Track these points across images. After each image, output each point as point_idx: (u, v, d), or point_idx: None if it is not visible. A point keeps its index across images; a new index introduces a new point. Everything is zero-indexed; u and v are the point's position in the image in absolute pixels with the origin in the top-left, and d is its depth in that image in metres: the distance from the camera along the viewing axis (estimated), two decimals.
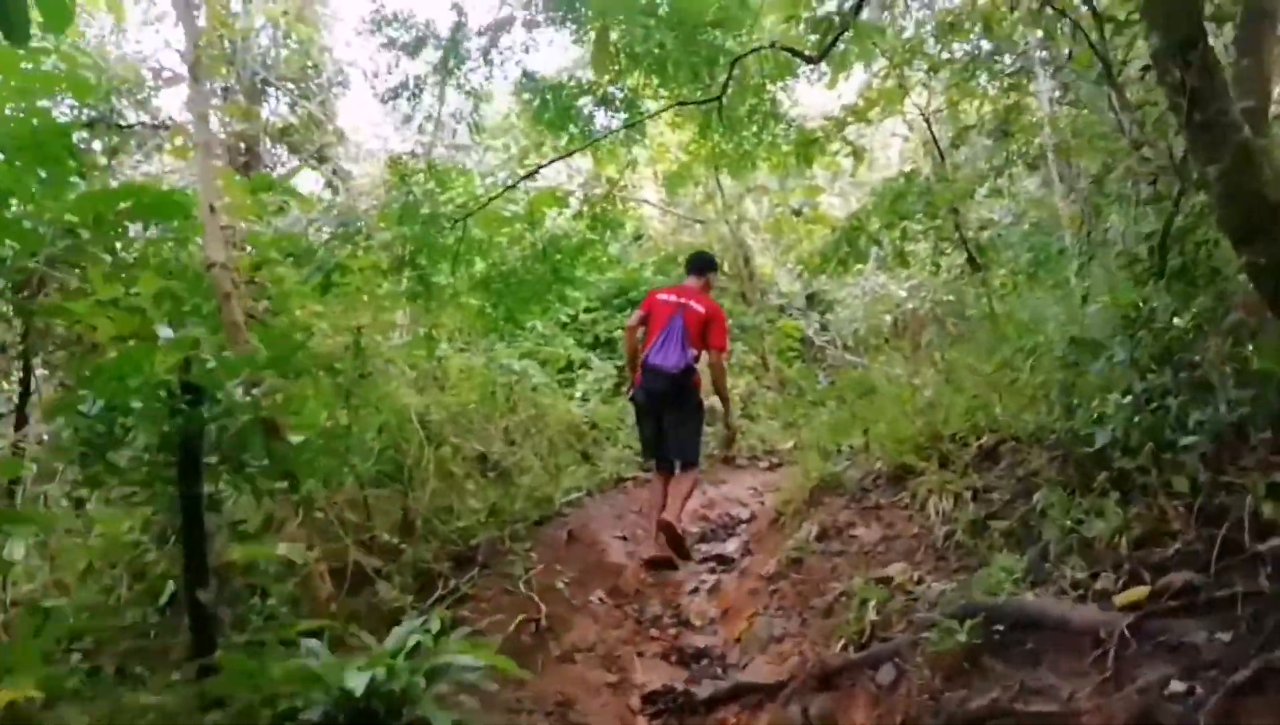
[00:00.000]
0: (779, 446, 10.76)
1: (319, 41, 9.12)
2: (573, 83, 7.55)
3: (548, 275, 7.14)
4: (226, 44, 8.39)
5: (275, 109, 9.13)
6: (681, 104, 6.93)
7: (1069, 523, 3.53)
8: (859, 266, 17.54)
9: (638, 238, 16.06)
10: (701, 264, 6.19)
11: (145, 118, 8.02)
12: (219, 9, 4.23)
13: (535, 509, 6.05)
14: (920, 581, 4.08)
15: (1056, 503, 3.80)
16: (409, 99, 7.00)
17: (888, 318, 17.05)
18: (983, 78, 9.87)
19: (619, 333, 11.93)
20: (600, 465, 8.25)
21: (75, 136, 8.75)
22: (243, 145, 8.94)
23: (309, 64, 9.07)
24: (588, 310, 12.26)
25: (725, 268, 15.31)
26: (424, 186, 6.45)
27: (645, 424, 5.91)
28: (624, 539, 6.19)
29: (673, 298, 5.77)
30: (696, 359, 5.71)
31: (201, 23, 5.54)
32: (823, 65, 10.10)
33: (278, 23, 8.77)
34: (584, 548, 5.65)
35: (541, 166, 6.71)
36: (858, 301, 16.81)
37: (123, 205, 3.64)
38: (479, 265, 6.99)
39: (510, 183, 6.61)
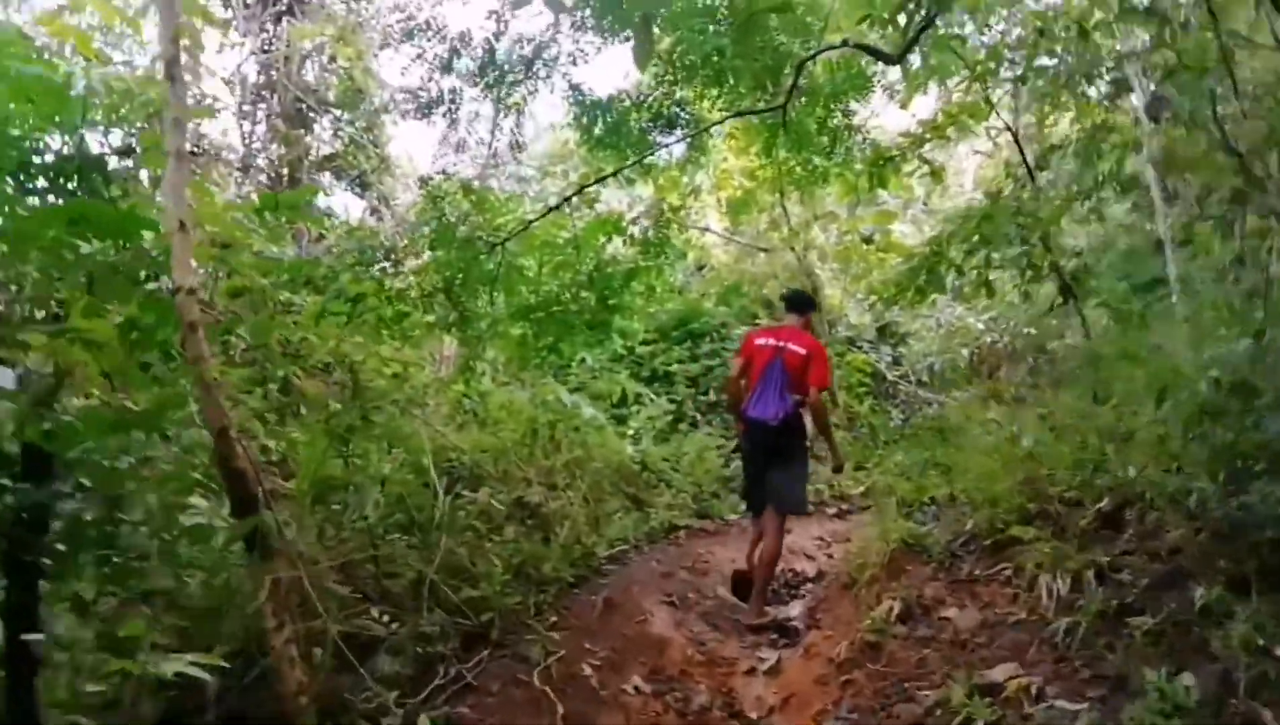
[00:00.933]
0: (849, 492, 9.75)
1: (363, 65, 8.61)
2: (625, 99, 6.80)
3: (595, 304, 6.37)
4: (272, 72, 7.95)
5: (319, 135, 8.63)
6: (742, 113, 6.13)
7: (1258, 637, 2.55)
8: (935, 296, 16.48)
9: (700, 267, 15.25)
10: (801, 303, 5.77)
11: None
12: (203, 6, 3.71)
13: (571, 568, 5.22)
14: (1039, 696, 3.11)
15: (1227, 602, 2.81)
16: (445, 114, 6.34)
17: (964, 352, 15.87)
18: (1073, 91, 8.86)
19: (676, 367, 11.11)
20: (651, 513, 7.38)
21: (117, 163, 8.35)
22: (285, 171, 8.46)
23: (354, 88, 8.56)
24: (645, 342, 11.44)
25: None
26: (460, 209, 5.77)
27: (749, 472, 5.65)
28: (672, 604, 5.30)
29: (770, 341, 5.40)
30: (800, 405, 5.30)
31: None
32: (897, 81, 9.23)
33: (321, 47, 8.29)
34: (623, 617, 4.78)
35: (585, 187, 5.97)
36: (933, 335, 15.68)
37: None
38: (522, 293, 6.26)
39: (553, 205, 5.89)
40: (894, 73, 8.50)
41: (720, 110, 6.79)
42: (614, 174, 6.06)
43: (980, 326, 16.23)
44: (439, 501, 4.38)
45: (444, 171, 6.44)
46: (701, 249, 14.95)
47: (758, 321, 13.21)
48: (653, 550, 6.61)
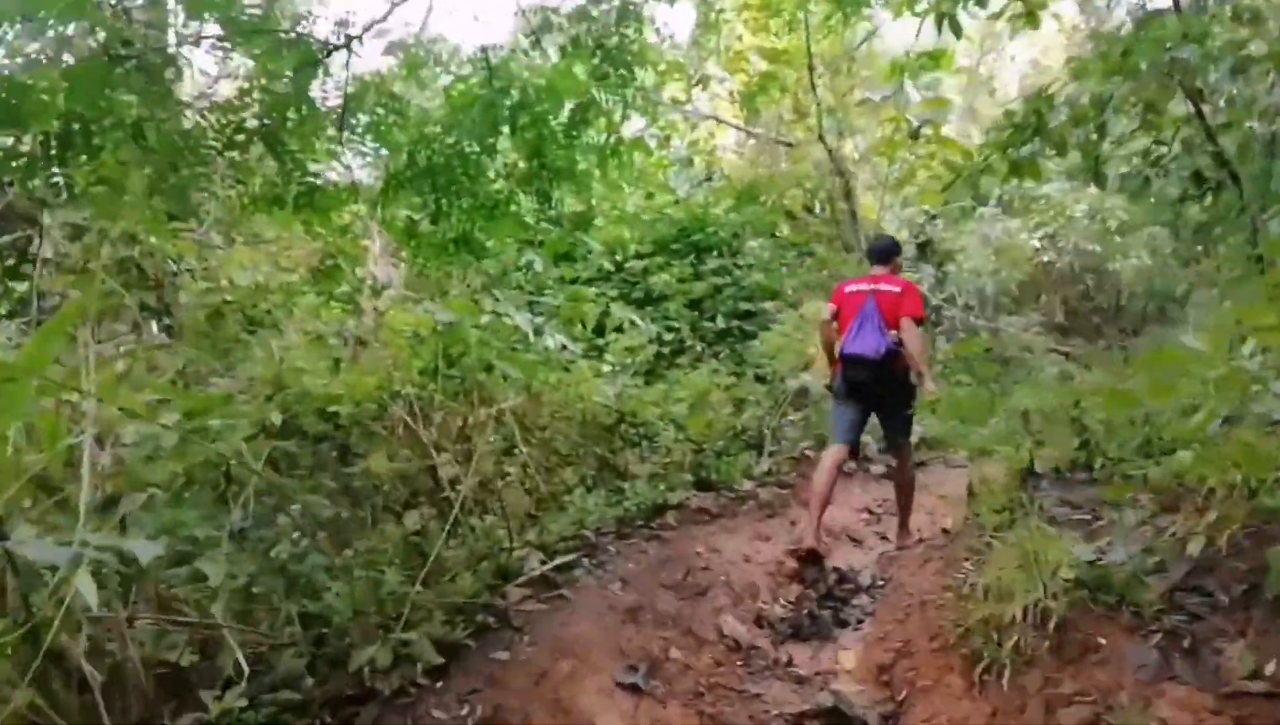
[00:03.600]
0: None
1: None
2: None
3: (526, 165, 3.77)
4: None
5: None
6: None
7: None
8: (980, 209, 13.60)
9: (709, 177, 12.44)
10: (885, 251, 5.25)
11: None
12: None
13: (447, 625, 2.69)
14: None
15: None
16: None
17: (1017, 273, 13.09)
18: None
19: (676, 287, 8.46)
20: (627, 487, 4.84)
21: None
22: None
23: None
24: (639, 256, 8.80)
25: (816, 209, 11.66)
26: None
27: (842, 412, 4.97)
28: (633, 687, 2.74)
29: (863, 286, 4.97)
30: (899, 343, 4.71)
31: None
32: None
33: None
34: None
35: None
36: (979, 253, 12.90)
37: None
38: (405, 147, 3.67)
39: None
40: None
41: None
42: None
43: (1035, 243, 13.45)
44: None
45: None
46: (710, 154, 12.13)
47: (776, 235, 10.51)
48: (622, 551, 4.08)
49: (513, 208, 3.97)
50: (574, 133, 3.78)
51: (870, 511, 5.93)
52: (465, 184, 3.81)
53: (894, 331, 4.63)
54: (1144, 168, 6.55)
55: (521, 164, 3.96)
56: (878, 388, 4.70)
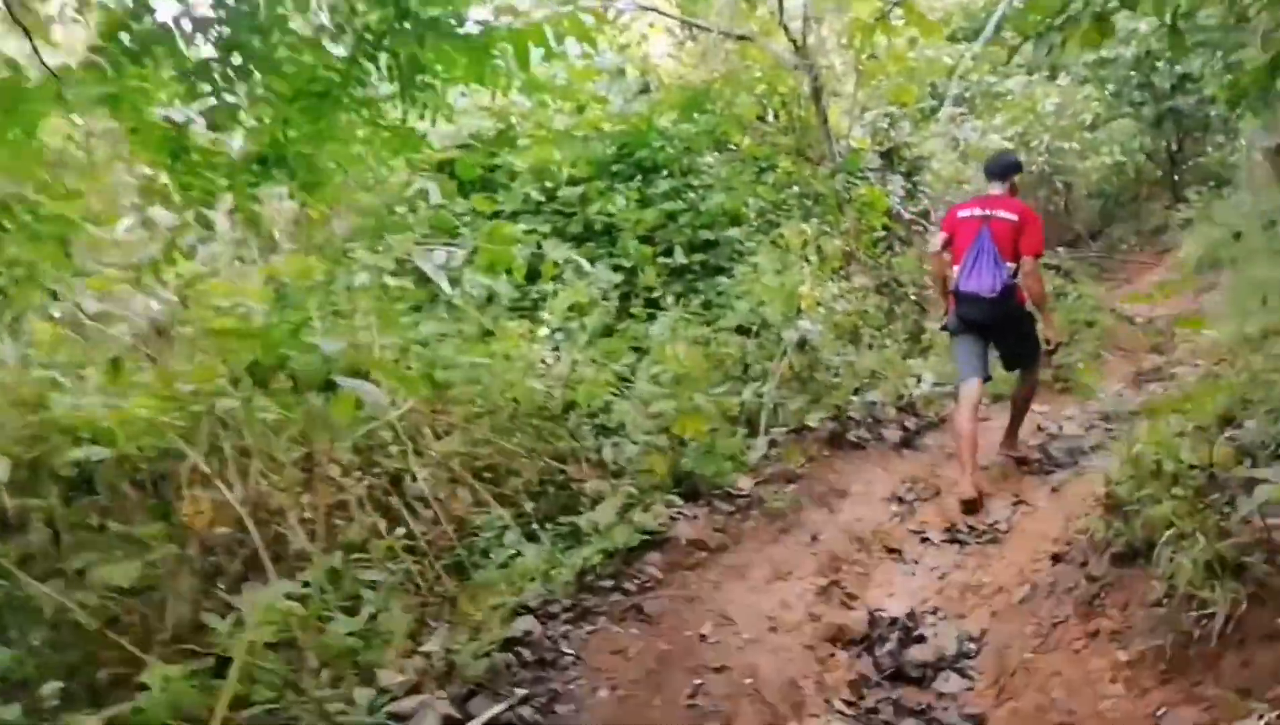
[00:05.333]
0: (914, 396, 5.64)
1: None
2: None
3: (379, 18, 1.98)
4: None
5: None
6: None
7: None
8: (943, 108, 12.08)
9: (644, 90, 10.52)
10: (1004, 167, 4.68)
11: None
12: None
13: None
14: None
15: None
16: None
17: None
18: None
19: (622, 216, 6.70)
20: (583, 523, 3.18)
21: None
22: None
23: None
24: (573, 181, 6.99)
25: (769, 116, 9.90)
26: None
27: (964, 346, 4.55)
28: None
29: (975, 211, 4.51)
30: (1015, 275, 4.33)
31: None
32: None
33: None
34: None
35: None
36: (947, 158, 11.36)
37: None
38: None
39: None
40: None
41: None
42: None
43: (1007, 145, 11.94)
44: None
45: None
46: (643, 61, 10.19)
47: (733, 147, 8.77)
48: (585, 650, 2.46)
49: (356, 93, 2.17)
50: None
51: (901, 499, 4.40)
52: (257, 50, 2.01)
53: (1011, 263, 4.29)
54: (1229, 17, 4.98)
55: (366, 12, 2.15)
56: (995, 325, 4.44)
